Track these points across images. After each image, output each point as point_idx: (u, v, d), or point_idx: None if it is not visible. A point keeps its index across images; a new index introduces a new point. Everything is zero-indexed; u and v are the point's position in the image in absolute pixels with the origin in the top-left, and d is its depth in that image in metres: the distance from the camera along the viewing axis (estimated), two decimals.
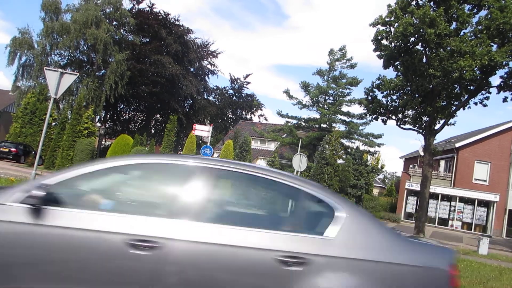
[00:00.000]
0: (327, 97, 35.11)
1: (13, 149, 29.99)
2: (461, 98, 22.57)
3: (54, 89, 9.29)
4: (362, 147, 36.50)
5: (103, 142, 42.79)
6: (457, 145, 34.18)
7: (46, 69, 9.64)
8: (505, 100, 21.77)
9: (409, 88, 23.15)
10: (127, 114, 47.60)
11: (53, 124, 31.62)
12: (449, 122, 23.42)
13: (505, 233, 32.58)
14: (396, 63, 22.81)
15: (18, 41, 34.51)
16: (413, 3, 20.86)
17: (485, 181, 33.51)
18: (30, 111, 32.53)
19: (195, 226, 3.18)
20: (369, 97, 24.49)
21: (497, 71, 20.66)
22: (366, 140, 34.15)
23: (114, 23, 36.89)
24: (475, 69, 19.04)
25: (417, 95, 22.69)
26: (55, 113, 32.98)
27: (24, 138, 32.09)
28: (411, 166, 42.91)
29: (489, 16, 19.35)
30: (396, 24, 20.56)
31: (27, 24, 79.93)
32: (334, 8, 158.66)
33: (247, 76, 62.03)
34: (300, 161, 18.35)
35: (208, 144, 27.36)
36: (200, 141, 38.62)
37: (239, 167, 3.61)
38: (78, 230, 3.07)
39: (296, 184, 3.58)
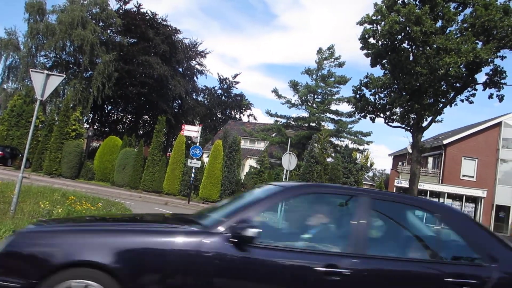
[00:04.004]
0: (315, 96, 35.21)
1: None
2: (448, 95, 22.84)
3: (40, 91, 9.18)
4: (351, 145, 36.69)
5: (91, 144, 42.45)
6: (445, 142, 34.52)
7: (32, 70, 9.53)
8: (490, 96, 22.05)
9: (396, 86, 23.38)
10: (115, 115, 47.23)
11: (40, 126, 31.27)
12: (436, 119, 23.71)
13: (493, 228, 32.91)
14: (383, 61, 23.01)
15: (3, 42, 34.05)
16: (399, 1, 21.05)
17: (473, 177, 33.89)
18: (17, 113, 32.13)
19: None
20: (357, 95, 24.67)
21: (482, 68, 20.97)
22: (355, 138, 34.33)
23: (101, 23, 36.52)
24: (460, 66, 19.30)
25: (404, 93, 22.92)
26: (42, 115, 32.61)
27: (11, 140, 31.69)
28: (399, 163, 43.20)
29: (474, 13, 19.59)
30: (383, 22, 20.73)
31: (13, 25, 79.04)
32: (322, 7, 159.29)
33: (236, 75, 61.94)
34: (289, 160, 18.40)
35: (198, 144, 27.31)
36: (190, 142, 38.46)
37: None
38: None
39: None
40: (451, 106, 23.11)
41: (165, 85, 39.66)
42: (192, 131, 29.88)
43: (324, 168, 28.58)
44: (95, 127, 42.65)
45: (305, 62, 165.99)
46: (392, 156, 49.33)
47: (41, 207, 9.45)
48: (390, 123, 24.55)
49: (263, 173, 27.40)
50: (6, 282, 3.19)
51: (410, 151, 26.19)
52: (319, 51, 34.67)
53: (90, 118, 42.48)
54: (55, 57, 37.19)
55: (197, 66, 47.11)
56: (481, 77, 51.78)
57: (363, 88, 24.29)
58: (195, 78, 47.65)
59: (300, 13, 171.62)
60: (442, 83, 21.89)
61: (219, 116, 61.67)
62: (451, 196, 33.97)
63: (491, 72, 21.40)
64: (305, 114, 35.24)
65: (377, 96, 24.31)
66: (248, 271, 3.44)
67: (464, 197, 33.59)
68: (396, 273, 3.58)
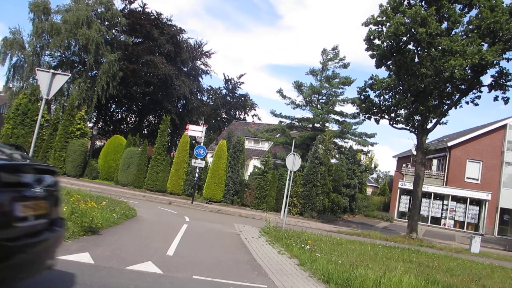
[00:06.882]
0: (320, 97, 35.16)
1: None
2: (453, 97, 22.77)
3: (46, 90, 9.23)
4: (355, 147, 36.62)
5: (95, 143, 42.57)
6: (449, 144, 34.42)
7: (38, 69, 9.58)
8: (495, 99, 21.96)
9: (401, 88, 23.30)
10: (119, 115, 47.37)
11: (45, 125, 31.42)
12: (441, 121, 23.62)
13: (497, 231, 32.85)
14: (388, 63, 22.94)
15: (9, 42, 34.24)
16: (405, 2, 20.99)
17: (477, 179, 33.78)
18: (22, 112, 32.25)
19: None
20: (362, 97, 24.61)
21: (488, 70, 20.86)
22: (359, 139, 34.24)
23: (106, 23, 36.68)
24: (466, 68, 19.20)
25: (409, 95, 22.85)
26: (47, 114, 32.75)
27: (16, 139, 31.79)
28: (404, 165, 43.11)
29: (479, 15, 19.51)
30: (388, 23, 20.67)
31: (18, 24, 79.49)
32: (327, 8, 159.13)
33: (240, 76, 61.96)
34: (293, 161, 18.35)
35: (202, 144, 27.35)
36: (194, 142, 38.51)
37: None
38: None
39: None
40: (456, 108, 23.03)
41: (169, 85, 39.75)
42: (196, 131, 29.96)
43: (328, 169, 28.53)
44: (99, 126, 42.79)
45: (309, 63, 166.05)
46: (396, 158, 49.23)
47: None
48: (394, 125, 24.49)
49: (267, 174, 27.37)
50: None
51: (415, 153, 26.14)
52: (324, 51, 34.61)
53: (95, 117, 42.62)
54: (60, 56, 37.36)
55: (202, 66, 47.22)
56: (486, 79, 51.73)
57: (367, 89, 24.24)
58: (199, 78, 47.76)
59: (305, 14, 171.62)
60: (447, 85, 21.83)
61: (223, 116, 61.67)
62: (455, 198, 33.87)
63: (496, 74, 21.31)
64: (309, 115, 35.19)
65: (381, 97, 24.25)
66: None
67: (468, 199, 33.48)
68: None
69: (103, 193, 18.64)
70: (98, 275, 6.37)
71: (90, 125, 39.39)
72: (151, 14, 40.90)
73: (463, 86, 21.98)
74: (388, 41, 21.25)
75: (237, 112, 62.13)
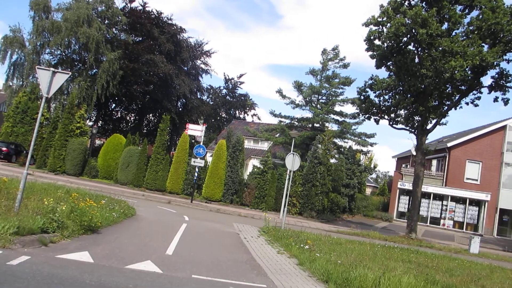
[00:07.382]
0: (320, 97, 35.18)
1: (4, 149, 29.75)
2: (453, 98, 22.77)
3: (46, 88, 9.20)
4: (354, 147, 36.62)
5: (94, 142, 42.50)
6: (449, 144, 34.42)
7: (38, 68, 9.55)
8: (495, 100, 21.98)
9: (401, 88, 23.30)
10: (119, 114, 47.26)
11: (45, 123, 31.40)
12: (441, 122, 23.64)
13: (496, 231, 32.86)
14: (388, 63, 22.93)
15: (9, 40, 34.18)
16: (406, 3, 20.99)
17: (477, 180, 33.78)
18: (22, 110, 32.28)
19: None
20: (362, 97, 24.61)
21: (488, 71, 20.86)
22: (359, 139, 34.28)
23: (106, 22, 36.59)
24: (466, 69, 19.20)
25: (409, 95, 22.85)
26: (46, 112, 32.73)
27: (16, 137, 31.84)
28: (403, 165, 43.12)
29: (480, 16, 19.52)
30: (389, 24, 20.67)
31: (18, 22, 79.38)
32: (328, 8, 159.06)
33: (241, 76, 62.00)
34: (293, 161, 18.35)
35: (201, 143, 27.31)
36: (193, 141, 38.48)
37: None
38: None
39: None
40: (456, 108, 23.05)
41: (169, 84, 39.69)
42: (196, 130, 29.94)
43: (328, 169, 28.53)
44: (99, 124, 42.73)
45: (309, 63, 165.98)
46: (396, 158, 49.22)
47: (45, 204, 9.48)
48: (394, 125, 24.49)
49: (266, 173, 27.36)
50: None
51: (414, 153, 26.14)
52: (324, 51, 34.63)
53: (94, 116, 42.55)
54: (60, 55, 37.30)
55: (202, 66, 47.11)
56: (486, 80, 51.69)
57: (367, 89, 24.23)
58: (200, 77, 47.66)
59: (305, 14, 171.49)
60: (447, 85, 21.82)
61: (223, 115, 61.69)
62: (455, 199, 33.88)
63: (496, 75, 21.31)
64: (309, 114, 35.21)
65: (381, 97, 24.25)
66: None
67: (467, 200, 33.48)
68: None
69: (103, 192, 18.62)
70: (97, 274, 6.37)
71: (90, 123, 39.33)
72: (152, 13, 40.85)
73: (463, 87, 21.98)
74: (388, 41, 21.25)
75: (237, 112, 62.14)
